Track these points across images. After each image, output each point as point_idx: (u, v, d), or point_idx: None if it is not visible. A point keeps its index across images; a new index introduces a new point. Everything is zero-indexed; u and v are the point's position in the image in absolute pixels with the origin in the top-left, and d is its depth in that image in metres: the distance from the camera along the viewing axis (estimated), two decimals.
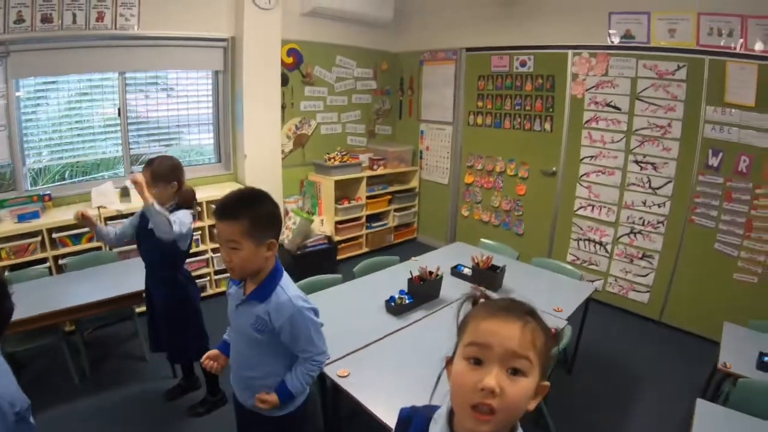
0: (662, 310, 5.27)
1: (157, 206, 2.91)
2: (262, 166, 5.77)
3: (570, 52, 5.53)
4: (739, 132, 4.61)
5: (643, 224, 5.30)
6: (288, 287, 2.05)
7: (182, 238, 3.12)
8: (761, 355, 3.03)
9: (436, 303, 3.42)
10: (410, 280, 3.41)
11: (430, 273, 3.47)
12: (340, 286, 3.65)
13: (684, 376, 4.28)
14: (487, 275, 3.71)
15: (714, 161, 4.78)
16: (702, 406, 2.51)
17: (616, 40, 5.20)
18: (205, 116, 5.77)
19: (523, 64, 5.93)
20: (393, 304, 3.22)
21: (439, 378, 1.24)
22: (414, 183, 7.33)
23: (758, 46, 4.42)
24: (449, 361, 1.14)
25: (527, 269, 4.27)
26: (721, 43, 4.60)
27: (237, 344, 2.18)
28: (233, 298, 2.13)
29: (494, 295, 1.22)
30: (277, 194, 5.29)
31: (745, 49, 4.48)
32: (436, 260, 4.02)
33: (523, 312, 1.05)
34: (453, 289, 3.62)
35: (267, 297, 2.00)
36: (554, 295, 3.62)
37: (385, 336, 2.93)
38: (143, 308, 3.61)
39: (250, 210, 1.91)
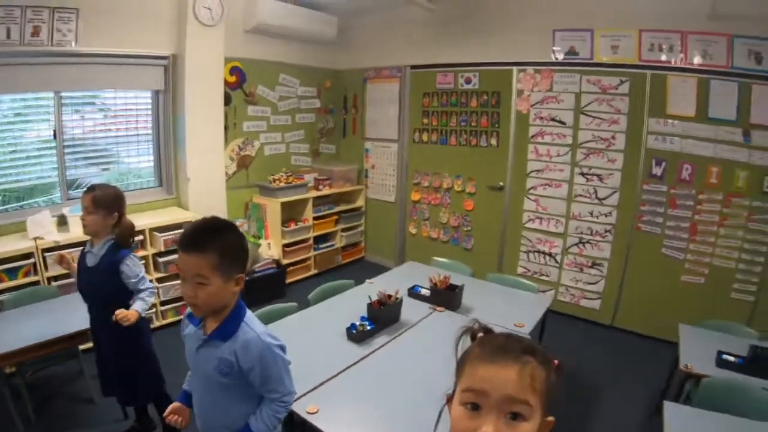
0: (614, 315, 5.45)
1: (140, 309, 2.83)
2: (206, 189, 5.55)
3: (515, 68, 5.66)
4: (681, 142, 4.88)
5: (591, 234, 5.45)
6: (254, 323, 1.90)
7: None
8: (720, 353, 3.14)
9: (398, 327, 3.33)
10: (369, 305, 3.31)
11: (389, 296, 3.39)
12: (297, 314, 3.47)
13: (641, 379, 4.39)
14: (445, 295, 3.68)
15: (658, 170, 5.01)
16: (670, 408, 2.56)
17: (561, 57, 5.37)
18: (145, 137, 5.49)
19: (468, 81, 6.02)
20: (354, 331, 3.10)
21: (440, 415, 1.21)
22: (360, 202, 7.28)
23: (697, 60, 4.72)
24: (449, 399, 1.12)
25: (484, 286, 4.26)
26: (662, 58, 4.86)
27: (199, 390, 2.00)
28: (192, 339, 1.93)
29: (493, 327, 1.21)
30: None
31: (685, 63, 4.76)
32: (391, 282, 3.98)
33: (521, 351, 1.03)
34: (412, 311, 3.54)
35: (231, 335, 1.84)
36: (514, 311, 3.63)
37: (350, 366, 2.81)
38: (88, 344, 3.35)
39: (218, 242, 1.76)
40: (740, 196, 4.69)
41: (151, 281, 3.08)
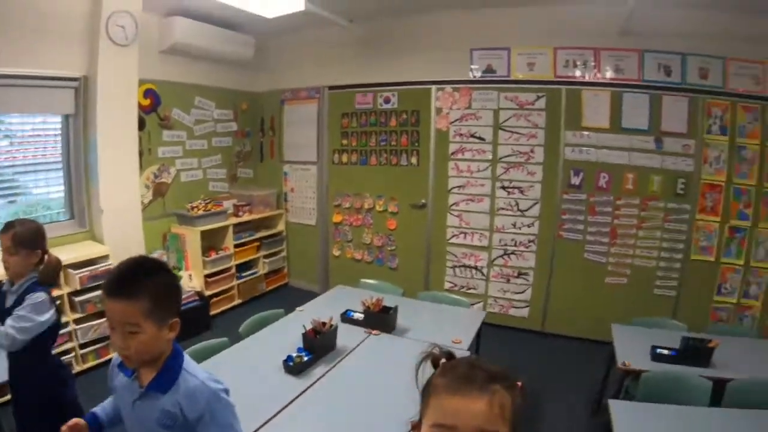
0: (543, 321, 5.54)
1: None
2: (121, 220, 5.08)
3: (433, 87, 5.70)
4: (597, 152, 5.10)
5: (515, 245, 5.53)
6: (195, 370, 1.70)
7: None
8: (654, 348, 3.25)
9: (335, 355, 3.17)
10: (304, 335, 3.13)
11: (324, 324, 3.23)
12: (229, 350, 3.20)
13: (577, 380, 4.42)
14: (380, 318, 3.57)
15: (576, 180, 5.19)
16: (615, 405, 2.59)
17: (478, 75, 5.47)
18: (55, 166, 4.99)
19: (387, 100, 5.99)
20: (291, 363, 2.90)
21: None
22: (281, 227, 7.03)
23: (610, 75, 5.00)
24: (414, 426, 1.09)
25: (416, 305, 4.16)
26: (577, 74, 5.10)
27: None
28: (125, 391, 1.71)
29: (455, 351, 1.17)
30: (138, 251, 4.78)
31: (599, 78, 5.02)
32: (322, 308, 3.84)
33: (487, 378, 1.01)
34: (348, 336, 3.38)
35: (172, 385, 1.63)
36: (450, 327, 3.59)
37: (292, 401, 2.61)
38: (6, 397, 3.00)
39: (149, 285, 1.55)
40: (656, 199, 4.97)
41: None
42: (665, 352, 3.21)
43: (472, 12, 5.36)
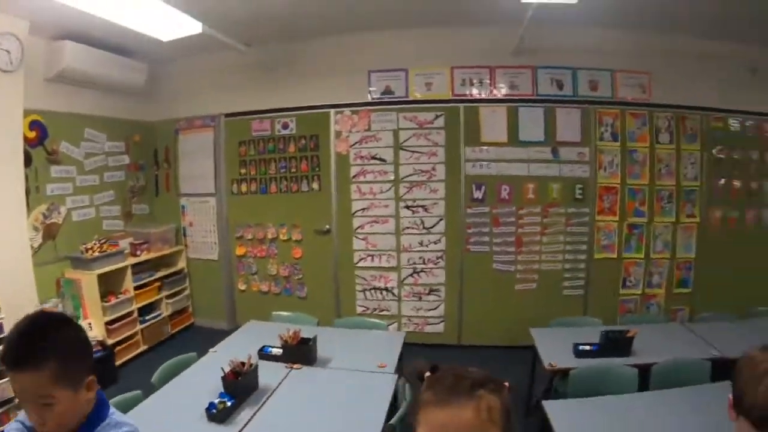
0: (459, 334, 5.51)
1: None
2: (9, 268, 4.40)
3: (332, 111, 5.56)
4: (497, 165, 5.21)
5: (423, 263, 5.45)
6: (124, 418, 1.54)
7: None
8: (576, 345, 3.36)
9: (259, 395, 2.91)
10: (224, 378, 2.85)
11: (243, 364, 2.95)
12: (144, 403, 2.85)
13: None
14: (299, 351, 3.35)
15: (479, 194, 5.24)
16: (549, 405, 2.62)
17: (377, 96, 5.41)
18: None
19: (285, 126, 5.78)
20: (215, 411, 2.62)
21: None
22: (182, 264, 6.53)
23: (505, 91, 5.19)
24: None
25: (333, 333, 3.95)
26: (474, 92, 5.22)
27: None
28: None
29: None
30: (31, 301, 4.37)
31: (495, 95, 5.18)
32: (237, 347, 3.56)
33: (471, 386, 1.03)
34: (269, 374, 3.13)
35: None
36: (372, 353, 3.47)
37: None
38: None
39: (54, 346, 1.32)
40: (556, 206, 5.18)
41: None
42: (587, 347, 3.32)
43: (370, 34, 5.33)
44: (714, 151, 5.38)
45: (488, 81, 5.18)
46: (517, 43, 4.89)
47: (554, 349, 3.41)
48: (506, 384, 1.07)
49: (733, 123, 5.46)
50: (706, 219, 5.46)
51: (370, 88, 5.41)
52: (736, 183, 5.49)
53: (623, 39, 5.10)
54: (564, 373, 3.10)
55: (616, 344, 3.30)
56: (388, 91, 5.36)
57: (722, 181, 5.46)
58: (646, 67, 5.23)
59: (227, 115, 6.11)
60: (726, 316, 4.37)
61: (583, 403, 2.66)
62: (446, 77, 5.24)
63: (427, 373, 1.14)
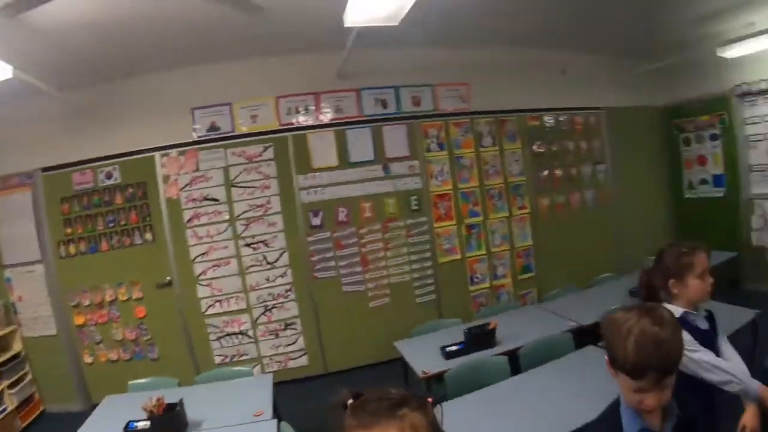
0: (324, 363, 5.40)
1: None
2: None
3: (157, 154, 5.20)
4: (331, 190, 5.20)
5: (273, 298, 5.28)
6: None
7: None
8: (442, 348, 3.51)
9: None
10: None
11: None
12: None
13: None
14: (168, 419, 3.03)
15: (317, 221, 5.19)
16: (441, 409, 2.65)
17: (203, 134, 5.16)
18: None
19: (108, 176, 5.28)
20: None
21: None
22: (17, 346, 5.64)
23: (331, 116, 5.23)
24: None
25: (198, 391, 3.68)
26: (301, 119, 5.19)
27: None
28: None
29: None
30: None
31: (321, 120, 5.21)
32: (98, 430, 3.26)
33: (393, 406, 1.04)
34: None
35: None
36: (244, 403, 3.28)
37: None
38: None
39: None
40: (395, 220, 5.30)
41: None
42: (454, 348, 3.48)
43: (191, 70, 5.11)
44: (534, 147, 5.89)
45: (314, 107, 5.17)
46: (340, 66, 4.91)
47: (423, 356, 3.47)
48: (429, 400, 1.12)
49: (548, 120, 5.99)
50: (536, 208, 6.01)
51: (195, 126, 5.13)
52: (558, 172, 6.11)
53: (443, 55, 5.39)
54: (438, 376, 3.16)
55: (480, 338, 3.49)
56: (213, 128, 5.12)
57: (545, 172, 6.04)
58: (466, 79, 5.56)
59: (45, 170, 5.39)
60: (571, 290, 4.89)
61: (465, 400, 2.78)
62: (272, 107, 5.14)
63: (350, 401, 1.11)
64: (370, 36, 4.08)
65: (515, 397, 2.80)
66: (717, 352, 2.11)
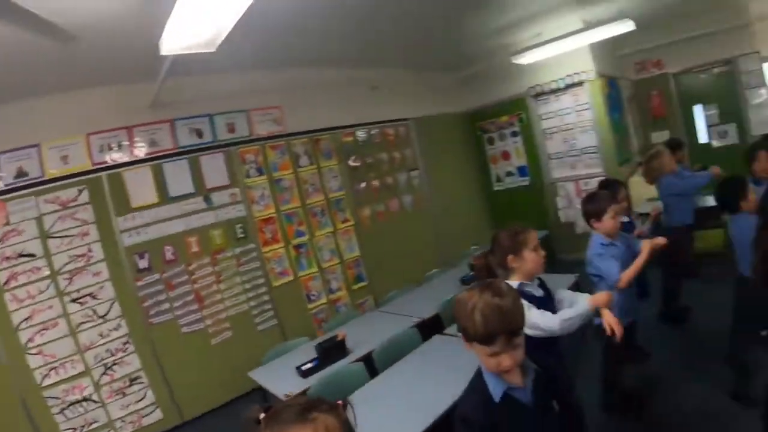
0: (180, 412, 5.03)
1: None
2: None
3: None
4: (154, 228, 4.94)
5: (112, 354, 4.83)
6: None
7: None
8: (298, 368, 3.57)
9: None
10: None
11: None
12: None
13: None
14: None
15: (144, 263, 4.90)
16: None
17: (10, 182, 4.62)
18: None
19: None
20: None
21: None
22: None
23: (147, 150, 4.96)
24: None
25: None
26: (114, 157, 4.86)
27: None
28: None
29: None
30: None
31: (137, 155, 4.94)
32: None
33: (302, 410, 1.07)
34: None
35: None
36: None
37: None
38: None
39: None
40: (223, 251, 5.18)
41: None
42: (309, 365, 3.54)
43: None
44: (350, 161, 6.12)
45: (127, 142, 4.86)
46: (154, 97, 4.68)
47: (280, 380, 3.51)
48: (340, 402, 1.14)
49: (361, 134, 6.22)
50: (359, 219, 6.25)
51: (0, 174, 4.58)
52: (375, 183, 6.42)
53: (256, 79, 5.40)
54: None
55: (332, 351, 3.60)
56: (21, 174, 4.57)
57: (363, 184, 6.30)
58: (279, 101, 5.67)
59: None
60: (406, 290, 5.15)
61: None
62: (83, 146, 4.71)
63: (262, 415, 1.12)
64: (184, 64, 4.05)
65: (381, 397, 2.91)
66: (554, 312, 2.41)
